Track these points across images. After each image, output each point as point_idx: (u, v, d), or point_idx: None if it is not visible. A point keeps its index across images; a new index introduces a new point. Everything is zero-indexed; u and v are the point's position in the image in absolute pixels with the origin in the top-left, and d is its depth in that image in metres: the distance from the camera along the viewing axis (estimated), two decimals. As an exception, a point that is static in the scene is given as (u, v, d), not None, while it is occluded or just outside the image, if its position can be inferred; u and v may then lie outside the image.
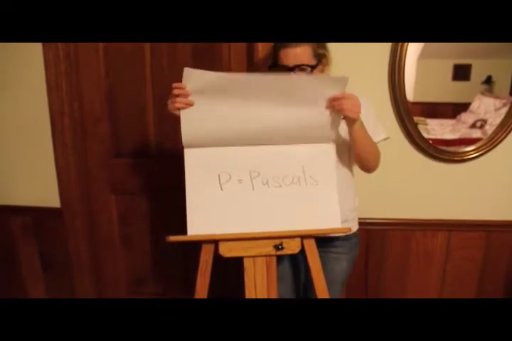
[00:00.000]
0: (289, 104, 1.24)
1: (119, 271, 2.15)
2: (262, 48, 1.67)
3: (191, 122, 1.25)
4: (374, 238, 1.92)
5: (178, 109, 1.24)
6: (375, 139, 1.39)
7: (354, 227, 1.50)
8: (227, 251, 1.27)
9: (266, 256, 1.30)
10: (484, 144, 1.81)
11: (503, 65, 1.84)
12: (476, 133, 1.86)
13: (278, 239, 1.29)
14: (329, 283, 1.34)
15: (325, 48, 1.37)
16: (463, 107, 1.91)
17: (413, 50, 1.75)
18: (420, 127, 1.81)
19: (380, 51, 1.72)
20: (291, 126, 1.28)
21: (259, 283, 1.31)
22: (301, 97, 1.23)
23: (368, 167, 1.42)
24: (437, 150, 1.83)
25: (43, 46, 1.81)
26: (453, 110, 1.95)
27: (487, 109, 1.87)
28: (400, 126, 1.80)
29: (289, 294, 1.56)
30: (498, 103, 1.85)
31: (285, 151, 1.33)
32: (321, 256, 1.32)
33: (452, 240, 1.92)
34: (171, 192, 1.88)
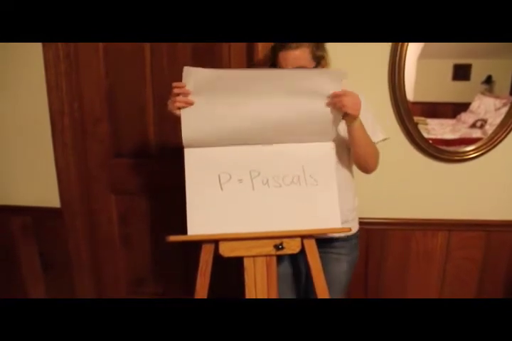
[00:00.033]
0: (289, 100, 1.25)
1: (119, 271, 2.15)
2: (262, 48, 1.67)
3: (191, 121, 1.25)
4: (374, 238, 1.92)
5: (179, 108, 1.24)
6: (374, 140, 1.39)
7: (354, 228, 1.49)
8: (227, 250, 1.27)
9: (266, 255, 1.30)
10: (484, 144, 1.81)
11: (503, 64, 1.84)
12: (476, 133, 1.86)
13: (278, 239, 1.29)
14: (330, 284, 1.34)
15: (323, 50, 1.37)
16: (463, 107, 1.91)
17: (413, 50, 1.75)
18: (420, 127, 1.82)
19: (380, 51, 1.72)
20: (291, 124, 1.28)
21: (260, 283, 1.31)
22: (300, 92, 1.23)
23: (367, 167, 1.42)
24: (437, 150, 1.83)
25: (43, 46, 1.81)
26: (453, 110, 1.95)
27: (487, 108, 1.87)
28: (400, 125, 1.80)
29: (289, 295, 1.56)
30: (498, 103, 1.85)
31: (285, 151, 1.33)
32: (321, 257, 1.32)
33: (452, 240, 1.92)
34: (171, 192, 1.88)
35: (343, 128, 1.35)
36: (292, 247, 1.30)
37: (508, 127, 1.78)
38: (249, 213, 1.30)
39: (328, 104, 1.25)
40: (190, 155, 1.30)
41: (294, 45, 1.29)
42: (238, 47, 1.81)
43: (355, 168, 1.47)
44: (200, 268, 1.28)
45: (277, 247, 1.28)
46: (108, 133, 1.98)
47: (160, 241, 1.92)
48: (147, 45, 1.85)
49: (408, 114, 1.77)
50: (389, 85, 1.76)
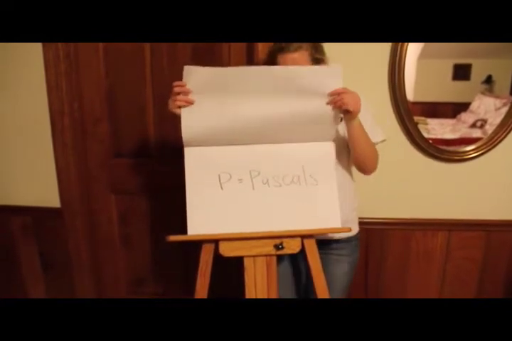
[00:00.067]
0: (290, 99, 1.25)
1: (119, 271, 2.15)
2: (262, 48, 1.67)
3: (192, 120, 1.26)
4: (374, 238, 1.92)
5: (179, 107, 1.24)
6: (373, 140, 1.38)
7: (355, 229, 1.49)
8: (227, 250, 1.27)
9: (266, 255, 1.30)
10: (484, 144, 1.81)
11: (503, 64, 1.84)
12: (476, 133, 1.86)
13: (278, 239, 1.29)
14: (330, 285, 1.34)
15: (322, 53, 1.37)
16: (463, 107, 1.91)
17: (413, 50, 1.75)
18: (420, 127, 1.82)
19: (380, 51, 1.72)
20: (291, 124, 1.28)
21: (260, 283, 1.31)
22: (300, 91, 1.23)
23: (366, 169, 1.42)
24: (437, 150, 1.83)
25: (43, 46, 1.81)
26: (453, 110, 1.95)
27: (487, 108, 1.87)
28: (400, 125, 1.80)
29: (289, 294, 1.56)
30: (498, 103, 1.85)
31: (285, 150, 1.33)
32: (322, 258, 1.32)
33: (452, 240, 1.92)
34: (171, 192, 1.88)
35: (342, 128, 1.35)
36: (292, 247, 1.30)
37: (508, 127, 1.78)
38: (250, 213, 1.30)
39: (329, 103, 1.25)
40: (190, 155, 1.30)
41: (292, 47, 1.30)
42: (238, 47, 1.81)
43: (355, 169, 1.47)
44: (200, 268, 1.28)
45: (277, 247, 1.28)
46: (108, 133, 1.98)
47: (160, 241, 1.92)
48: (147, 45, 1.85)
49: (408, 113, 1.77)
50: (389, 85, 1.76)
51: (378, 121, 1.45)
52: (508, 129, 1.78)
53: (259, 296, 1.30)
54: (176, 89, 1.22)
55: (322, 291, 1.31)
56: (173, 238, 1.24)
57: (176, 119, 1.27)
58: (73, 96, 1.90)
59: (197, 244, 1.29)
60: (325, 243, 1.42)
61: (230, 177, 1.31)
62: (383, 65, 1.74)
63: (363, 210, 1.59)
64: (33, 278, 2.13)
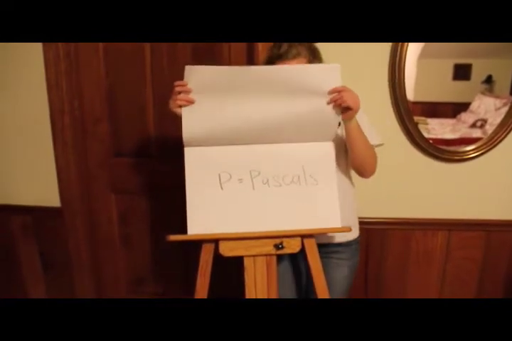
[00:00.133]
0: (289, 99, 1.24)
1: (119, 271, 2.15)
2: (262, 48, 1.67)
3: (192, 120, 1.26)
4: (374, 237, 1.92)
5: (180, 106, 1.24)
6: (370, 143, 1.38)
7: (355, 233, 1.49)
8: (227, 250, 1.27)
9: (266, 255, 1.30)
10: (484, 144, 1.81)
11: (504, 64, 1.84)
12: (476, 133, 1.86)
13: (278, 239, 1.28)
14: (330, 288, 1.34)
15: (320, 59, 1.37)
16: (463, 107, 1.91)
17: (413, 50, 1.75)
18: (420, 127, 1.82)
19: (380, 51, 1.72)
20: (291, 124, 1.28)
21: (260, 283, 1.31)
22: (300, 90, 1.23)
23: (365, 171, 1.40)
24: (437, 150, 1.83)
25: (43, 45, 1.81)
26: (453, 110, 1.95)
27: (487, 108, 1.87)
28: (400, 125, 1.80)
29: (289, 294, 1.56)
30: (498, 102, 1.85)
31: (285, 150, 1.33)
32: (322, 262, 1.31)
33: (452, 240, 1.92)
34: (171, 192, 1.88)
35: (340, 132, 1.35)
36: (292, 247, 1.30)
37: (508, 127, 1.78)
38: (250, 212, 1.30)
39: (330, 101, 1.24)
40: (190, 155, 1.30)
41: (291, 55, 1.30)
42: (238, 47, 1.81)
43: (354, 174, 1.47)
44: (200, 267, 1.28)
45: (277, 247, 1.28)
46: (108, 133, 1.98)
47: (160, 241, 1.92)
48: (147, 45, 1.85)
49: (408, 113, 1.77)
50: (389, 85, 1.76)
51: (378, 121, 1.45)
52: (508, 129, 1.78)
53: (259, 296, 1.30)
54: (177, 89, 1.22)
55: (322, 291, 1.31)
56: (173, 238, 1.24)
57: (177, 119, 1.27)
58: (73, 94, 1.90)
59: (197, 244, 1.29)
60: (325, 246, 1.41)
61: (230, 177, 1.31)
62: (383, 64, 1.74)
63: (363, 210, 1.59)
64: (33, 278, 2.13)
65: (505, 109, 1.78)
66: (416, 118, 1.80)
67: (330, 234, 1.42)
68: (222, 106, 1.25)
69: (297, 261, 1.55)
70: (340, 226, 1.31)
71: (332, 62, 1.24)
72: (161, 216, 2.03)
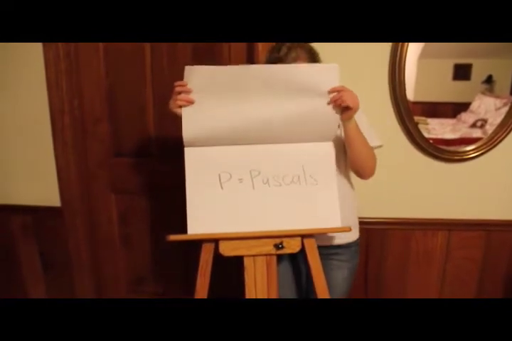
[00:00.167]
0: (289, 99, 1.24)
1: (119, 271, 2.15)
2: (262, 48, 1.67)
3: (192, 120, 1.26)
4: (374, 237, 1.92)
5: (180, 106, 1.24)
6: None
7: (355, 235, 1.49)
8: (227, 250, 1.27)
9: (266, 255, 1.30)
10: (484, 144, 1.81)
11: (504, 64, 1.84)
12: (477, 133, 1.86)
13: (278, 238, 1.28)
14: (330, 290, 1.33)
15: (319, 63, 1.37)
16: (463, 107, 1.91)
17: (413, 50, 1.75)
18: (421, 127, 1.82)
19: (380, 51, 1.72)
20: (291, 124, 1.28)
21: (260, 282, 1.31)
22: (300, 88, 1.23)
23: (364, 172, 1.40)
24: (437, 150, 1.83)
25: (43, 45, 1.81)
26: (453, 110, 1.95)
27: (487, 108, 1.87)
28: (400, 125, 1.80)
29: (289, 294, 1.56)
30: (498, 102, 1.85)
31: (285, 150, 1.33)
32: (322, 264, 1.31)
33: (452, 240, 1.92)
34: (171, 191, 1.88)
35: (339, 132, 1.35)
36: (292, 246, 1.30)
37: (508, 127, 1.78)
38: (250, 212, 1.30)
39: (330, 101, 1.24)
40: (190, 155, 1.30)
41: (290, 58, 1.30)
42: (238, 47, 1.81)
43: (354, 176, 1.46)
44: (200, 267, 1.28)
45: (277, 246, 1.28)
46: (108, 133, 1.98)
47: (160, 241, 1.92)
48: (147, 45, 1.85)
49: (408, 113, 1.77)
50: (389, 85, 1.76)
51: (378, 121, 1.45)
52: (508, 129, 1.78)
53: (259, 296, 1.30)
54: (177, 89, 1.22)
55: (322, 291, 1.31)
56: (173, 237, 1.24)
57: (177, 119, 1.27)
58: (73, 94, 1.90)
59: (197, 244, 1.29)
60: (325, 248, 1.41)
61: (230, 176, 1.31)
62: (383, 64, 1.74)
63: (363, 210, 1.59)
64: (33, 277, 2.13)
65: (505, 109, 1.78)
66: (416, 118, 1.80)
67: (330, 236, 1.42)
68: (222, 106, 1.25)
69: (297, 261, 1.55)
70: (340, 226, 1.31)
71: (332, 62, 1.24)
72: (161, 216, 2.03)
